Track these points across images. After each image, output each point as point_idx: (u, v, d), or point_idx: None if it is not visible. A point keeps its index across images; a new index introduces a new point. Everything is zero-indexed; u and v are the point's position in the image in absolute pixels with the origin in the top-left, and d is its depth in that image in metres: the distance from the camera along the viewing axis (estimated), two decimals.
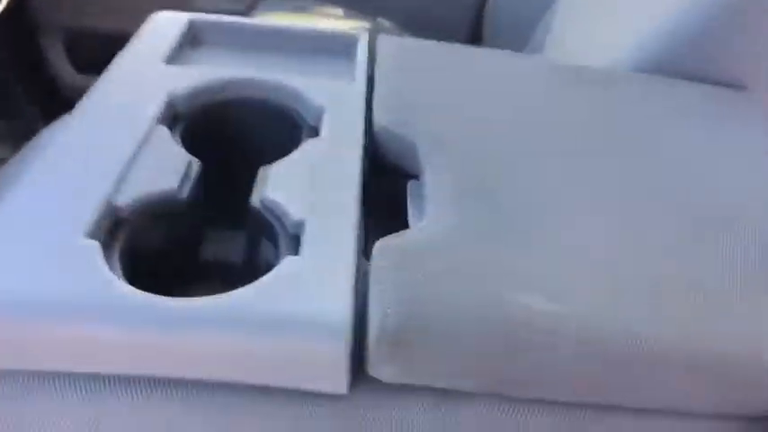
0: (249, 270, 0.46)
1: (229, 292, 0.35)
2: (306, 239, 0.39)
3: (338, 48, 0.62)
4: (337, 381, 0.35)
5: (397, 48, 0.63)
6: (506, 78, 0.61)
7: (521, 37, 1.06)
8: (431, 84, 0.57)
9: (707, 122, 0.61)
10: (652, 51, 0.70)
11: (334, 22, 1.31)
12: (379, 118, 0.51)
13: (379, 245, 0.39)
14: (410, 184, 0.49)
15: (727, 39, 0.67)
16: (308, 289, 0.36)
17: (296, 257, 0.37)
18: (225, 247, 0.51)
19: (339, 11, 1.36)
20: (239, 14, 1.35)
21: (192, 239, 0.49)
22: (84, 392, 0.35)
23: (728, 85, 0.70)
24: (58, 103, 1.55)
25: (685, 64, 0.69)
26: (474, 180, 0.46)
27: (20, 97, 1.47)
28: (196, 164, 0.46)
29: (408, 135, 0.50)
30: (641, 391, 0.36)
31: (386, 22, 1.35)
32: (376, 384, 0.36)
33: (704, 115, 0.62)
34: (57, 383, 0.35)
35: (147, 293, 0.35)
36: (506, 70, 0.62)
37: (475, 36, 1.37)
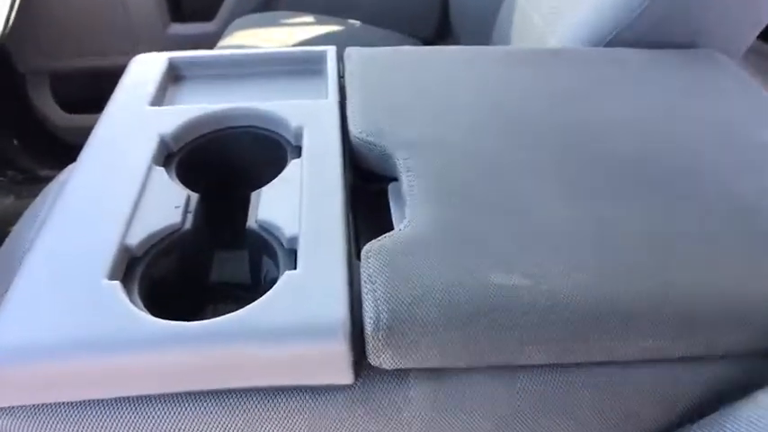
0: (255, 286, 0.51)
1: (241, 310, 0.40)
2: (301, 253, 0.43)
3: (309, 66, 0.66)
4: (343, 373, 0.39)
5: (363, 59, 0.66)
6: (467, 74, 0.64)
7: (486, 25, 1.09)
8: (398, 90, 0.61)
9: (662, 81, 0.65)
10: (607, 26, 0.74)
11: (307, 28, 1.33)
12: (355, 129, 0.55)
13: (367, 248, 0.43)
14: (390, 187, 0.54)
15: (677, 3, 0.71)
16: (308, 298, 0.40)
17: (294, 271, 0.42)
18: (231, 267, 0.55)
19: (310, 17, 1.39)
20: (212, 36, 1.38)
21: (201, 265, 0.53)
22: (120, 414, 0.40)
23: (679, 46, 0.74)
24: (50, 144, 1.58)
25: (640, 33, 0.73)
26: (445, 178, 0.50)
27: (11, 145, 1.51)
28: (194, 196, 0.50)
29: (382, 142, 0.53)
30: (605, 347, 0.40)
31: (356, 23, 1.37)
32: (378, 371, 0.41)
33: (655, 73, 0.66)
34: (94, 409, 0.40)
35: (168, 321, 0.39)
36: (466, 66, 0.65)
37: (443, 28, 1.39)
